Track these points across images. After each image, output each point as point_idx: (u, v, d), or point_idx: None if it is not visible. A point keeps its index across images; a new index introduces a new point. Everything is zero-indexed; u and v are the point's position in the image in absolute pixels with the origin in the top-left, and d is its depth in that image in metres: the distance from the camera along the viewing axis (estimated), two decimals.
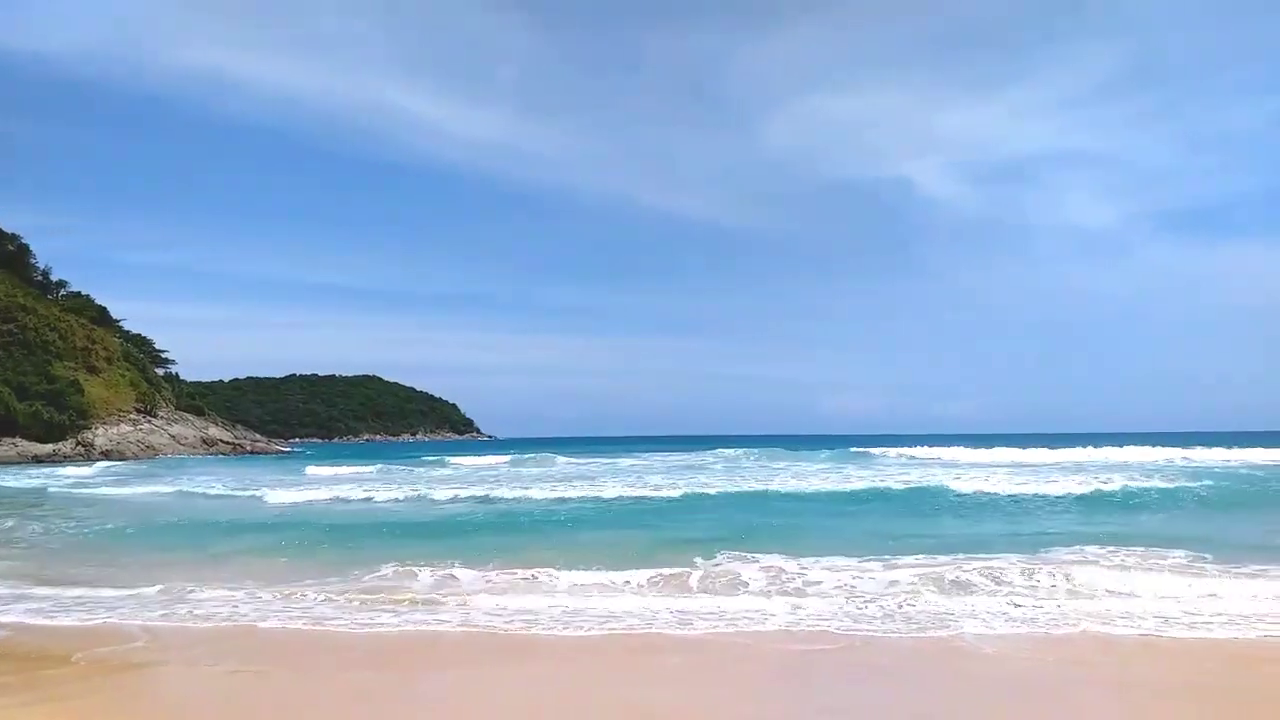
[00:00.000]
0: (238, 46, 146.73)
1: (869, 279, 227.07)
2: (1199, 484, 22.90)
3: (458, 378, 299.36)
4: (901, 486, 23.22)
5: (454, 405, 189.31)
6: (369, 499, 22.40)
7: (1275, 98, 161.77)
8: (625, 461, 42.87)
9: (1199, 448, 42.83)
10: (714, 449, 55.14)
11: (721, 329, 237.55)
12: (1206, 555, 11.47)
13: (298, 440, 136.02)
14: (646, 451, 57.13)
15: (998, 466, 32.78)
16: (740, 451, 51.07)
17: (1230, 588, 9.59)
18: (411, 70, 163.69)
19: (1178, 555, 11.58)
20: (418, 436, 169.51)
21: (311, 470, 37.86)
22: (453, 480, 29.17)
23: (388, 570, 11.52)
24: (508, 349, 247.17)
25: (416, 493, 23.33)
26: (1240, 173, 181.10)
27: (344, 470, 37.51)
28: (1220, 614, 8.53)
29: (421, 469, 39.10)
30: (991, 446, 48.74)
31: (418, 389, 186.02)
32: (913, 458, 42.99)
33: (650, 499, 21.53)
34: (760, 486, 24.11)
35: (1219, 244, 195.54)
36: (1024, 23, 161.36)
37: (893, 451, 48.79)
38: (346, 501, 22.23)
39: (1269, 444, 46.62)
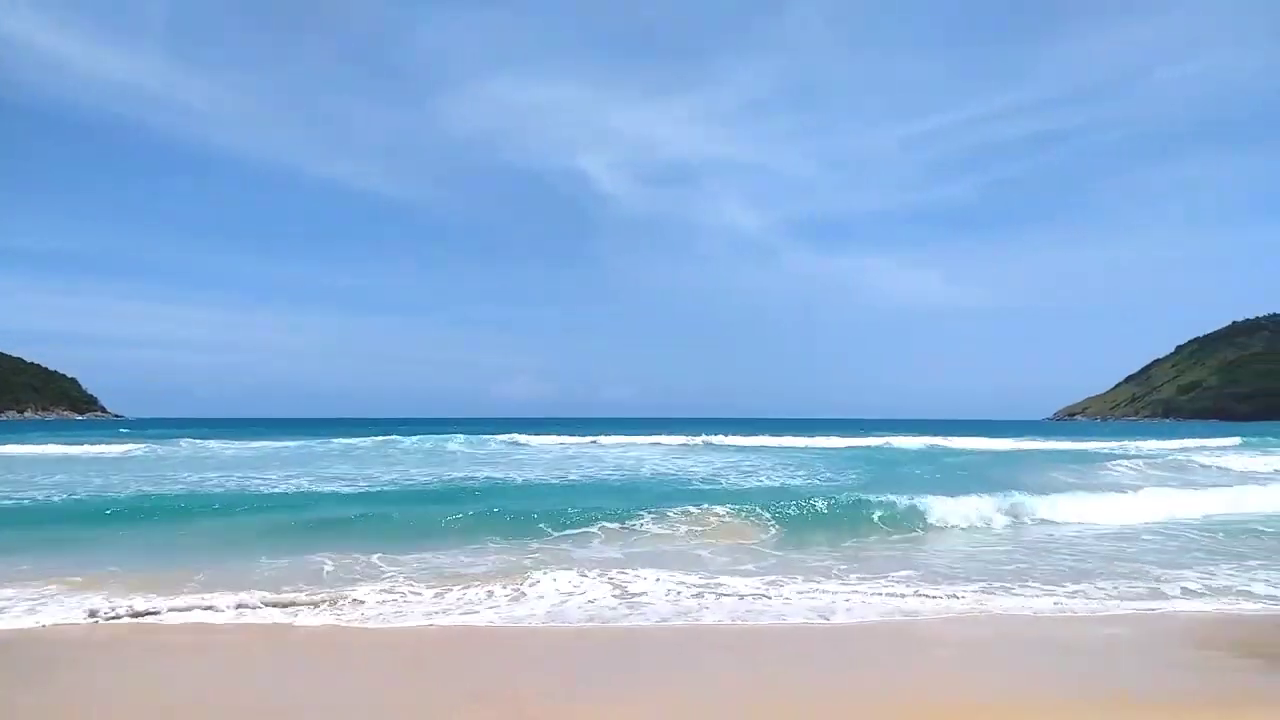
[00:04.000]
0: None
1: (545, 266, 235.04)
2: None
3: (81, 349, 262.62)
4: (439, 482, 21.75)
5: (73, 380, 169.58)
6: None
7: (904, 126, 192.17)
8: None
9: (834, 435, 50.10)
10: (383, 434, 50.46)
11: (392, 306, 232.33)
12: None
13: None
14: (302, 437, 49.33)
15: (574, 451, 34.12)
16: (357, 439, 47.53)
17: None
18: None
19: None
20: (26, 414, 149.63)
21: None
22: None
23: None
24: (146, 319, 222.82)
25: None
26: (867, 190, 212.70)
27: None
28: None
29: None
30: (652, 433, 51.71)
31: (28, 360, 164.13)
32: (525, 444, 42.28)
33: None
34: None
35: (848, 253, 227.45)
36: (698, 35, 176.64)
37: (491, 436, 48.06)
38: None
39: (894, 431, 55.06)
